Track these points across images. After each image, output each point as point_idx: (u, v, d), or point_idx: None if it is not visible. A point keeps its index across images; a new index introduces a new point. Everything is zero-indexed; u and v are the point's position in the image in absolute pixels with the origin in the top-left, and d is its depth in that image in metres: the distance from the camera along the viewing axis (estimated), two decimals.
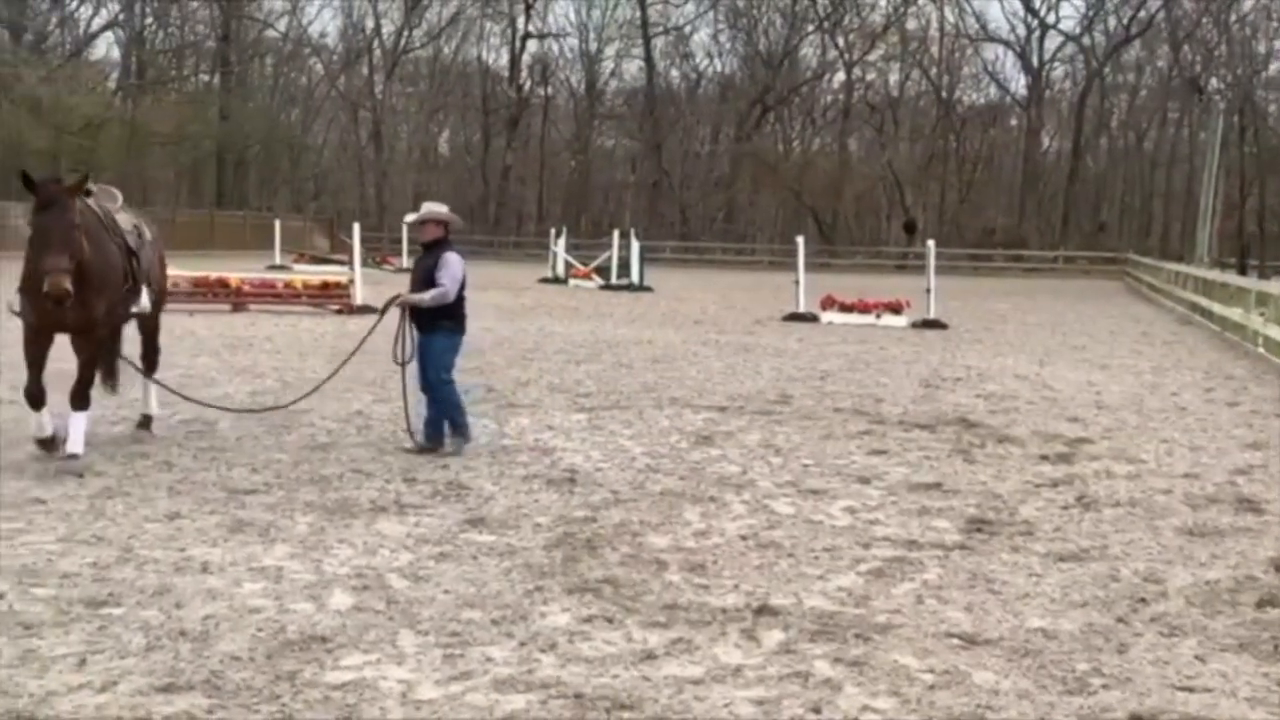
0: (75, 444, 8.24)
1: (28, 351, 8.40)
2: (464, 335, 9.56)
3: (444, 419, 9.33)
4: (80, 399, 8.38)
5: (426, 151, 72.08)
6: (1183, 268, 33.57)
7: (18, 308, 8.47)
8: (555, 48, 71.76)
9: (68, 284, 7.68)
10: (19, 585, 5.74)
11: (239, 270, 24.73)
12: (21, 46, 53.41)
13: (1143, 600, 6.04)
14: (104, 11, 62.46)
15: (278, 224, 43.22)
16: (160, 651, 4.96)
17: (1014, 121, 71.95)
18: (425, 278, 9.29)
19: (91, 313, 8.29)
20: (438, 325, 9.29)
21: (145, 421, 9.70)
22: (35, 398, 8.31)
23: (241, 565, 6.19)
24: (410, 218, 9.86)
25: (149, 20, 64.53)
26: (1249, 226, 59.59)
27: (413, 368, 9.45)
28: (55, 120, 51.45)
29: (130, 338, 9.73)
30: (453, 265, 9.26)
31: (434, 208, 9.70)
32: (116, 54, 66.25)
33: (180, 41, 66.77)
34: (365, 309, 20.38)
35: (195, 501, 7.45)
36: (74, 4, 61.01)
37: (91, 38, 63.25)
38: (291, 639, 5.15)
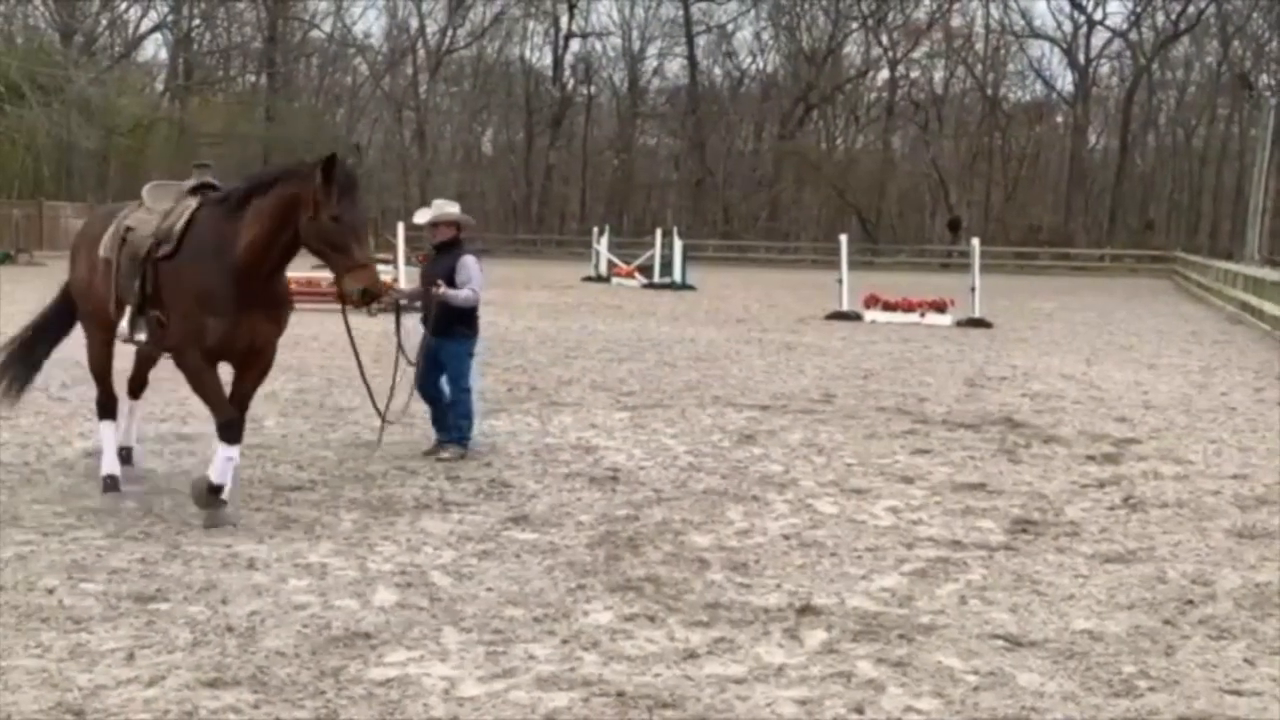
0: (222, 475, 6.88)
1: (209, 384, 6.95)
2: (477, 338, 9.25)
3: (458, 421, 9.03)
4: (238, 430, 6.99)
5: (470, 151, 72.38)
6: (1232, 266, 33.14)
7: (141, 335, 7.01)
8: (598, 47, 71.98)
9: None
10: (69, 580, 5.82)
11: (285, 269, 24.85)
12: (71, 48, 54.08)
13: (1190, 602, 5.97)
14: (152, 13, 63.23)
15: None
16: (207, 647, 5.01)
17: (1060, 119, 71.30)
18: (447, 279, 8.86)
19: (281, 330, 7.19)
20: (452, 330, 8.92)
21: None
22: (236, 428, 6.96)
23: (287, 562, 6.24)
24: (422, 217, 9.16)
25: (196, 22, 65.14)
26: None
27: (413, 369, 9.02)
28: (105, 121, 52.12)
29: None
30: (472, 268, 8.91)
31: (447, 207, 9.19)
32: (164, 55, 67.03)
33: (227, 43, 67.40)
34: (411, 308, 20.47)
35: (241, 498, 7.50)
36: (123, 6, 61.76)
37: (140, 39, 64.03)
38: (336, 635, 5.19)
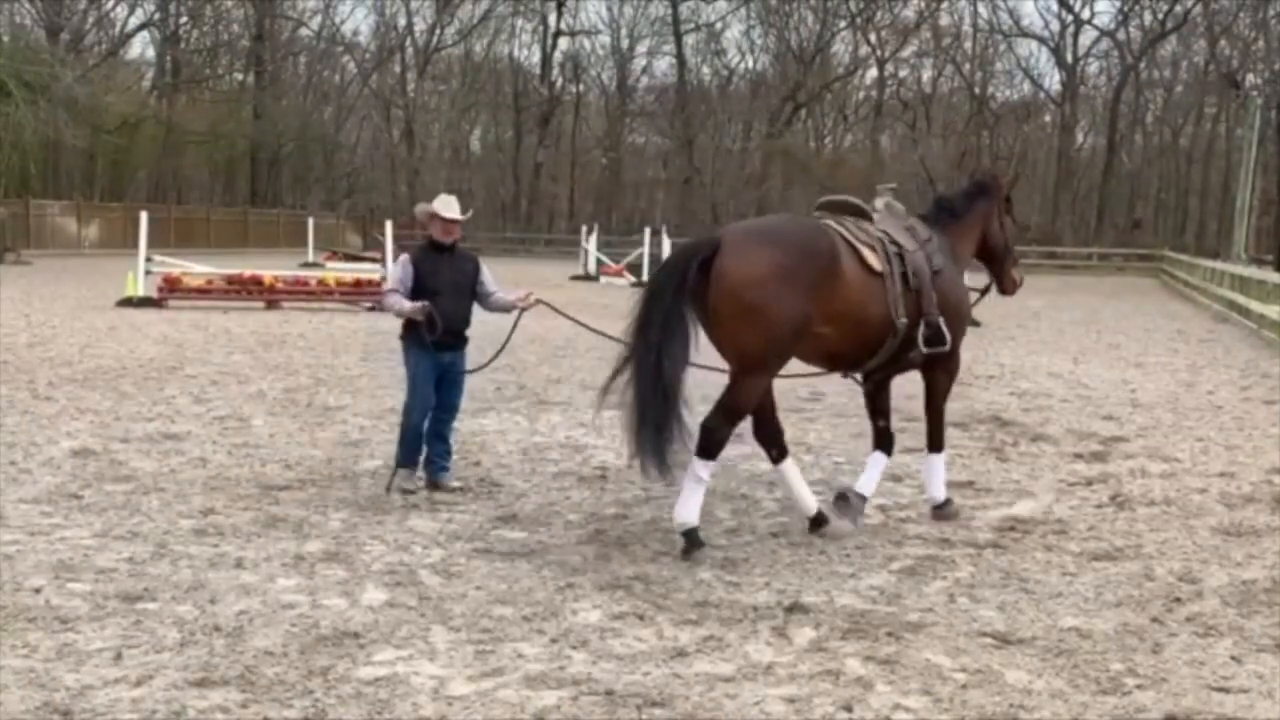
0: (937, 489, 7.69)
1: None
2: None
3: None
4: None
5: (458, 149, 72.30)
6: (1219, 265, 33.24)
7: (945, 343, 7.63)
8: (587, 45, 71.92)
9: None
10: (56, 580, 5.80)
11: (273, 268, 24.87)
12: (58, 46, 53.87)
13: (1178, 600, 5.99)
14: (139, 11, 63.04)
15: (311, 222, 43.54)
16: (195, 646, 5.00)
17: (1048, 118, 71.47)
18: (467, 285, 7.86)
19: None
20: (464, 341, 7.98)
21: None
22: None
23: (275, 561, 6.23)
24: (450, 210, 7.92)
25: (184, 20, 65.02)
26: None
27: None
28: (92, 119, 51.94)
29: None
30: (486, 271, 8.01)
31: (454, 204, 8.05)
32: (151, 53, 66.95)
33: (214, 40, 67.28)
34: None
35: (229, 498, 7.50)
36: (110, 4, 61.55)
37: (127, 37, 63.83)
38: (324, 634, 5.18)
